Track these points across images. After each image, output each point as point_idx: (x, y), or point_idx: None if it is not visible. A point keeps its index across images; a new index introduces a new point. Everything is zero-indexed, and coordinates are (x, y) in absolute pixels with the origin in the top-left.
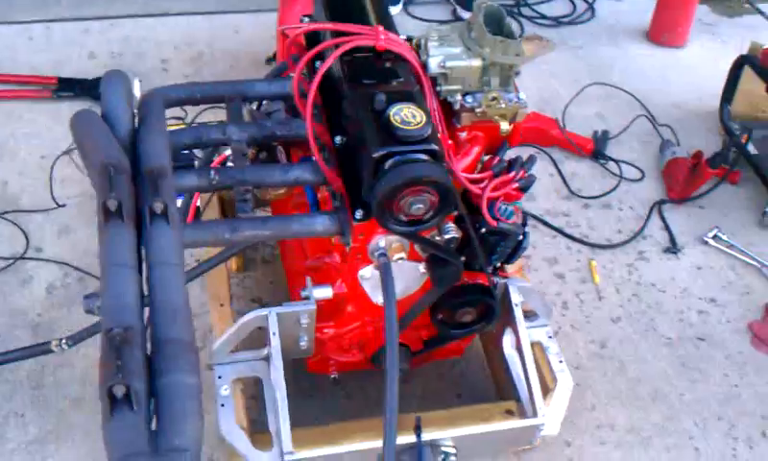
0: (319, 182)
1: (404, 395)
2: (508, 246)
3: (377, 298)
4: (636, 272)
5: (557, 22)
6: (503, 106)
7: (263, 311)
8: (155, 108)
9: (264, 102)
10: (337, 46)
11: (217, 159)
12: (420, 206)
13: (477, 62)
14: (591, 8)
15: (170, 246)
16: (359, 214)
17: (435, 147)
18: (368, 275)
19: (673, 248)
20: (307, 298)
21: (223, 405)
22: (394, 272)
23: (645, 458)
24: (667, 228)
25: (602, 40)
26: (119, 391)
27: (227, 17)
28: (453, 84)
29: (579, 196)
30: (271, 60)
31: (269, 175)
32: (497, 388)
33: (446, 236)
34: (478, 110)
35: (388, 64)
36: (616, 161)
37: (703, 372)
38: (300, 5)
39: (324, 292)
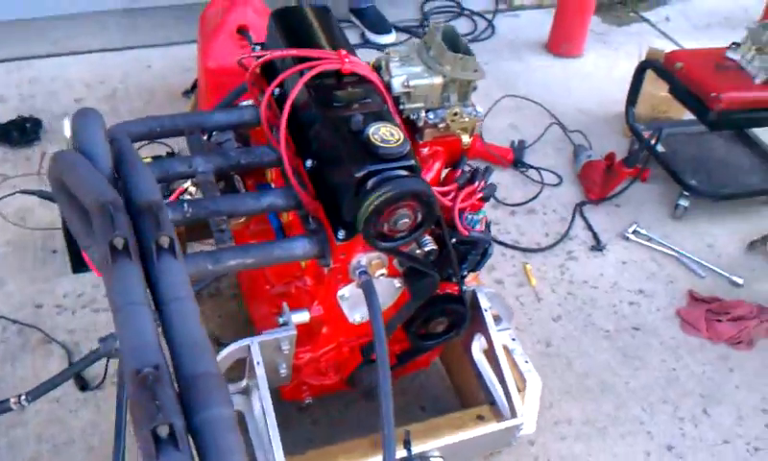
0: (291, 207)
1: (372, 412)
2: (477, 254)
3: (354, 317)
4: (567, 271)
5: None
6: (466, 119)
7: (244, 342)
8: (125, 143)
9: (214, 132)
10: (303, 72)
11: (175, 193)
12: (406, 220)
13: (439, 80)
14: (491, 25)
15: (180, 280)
16: (342, 234)
17: (413, 163)
18: (347, 294)
19: (598, 246)
20: (285, 324)
21: None
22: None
23: (604, 447)
24: (590, 227)
25: (505, 55)
26: (163, 431)
27: (137, 52)
28: (416, 102)
29: (505, 204)
30: (188, 92)
31: (242, 204)
32: (461, 396)
33: (426, 249)
34: (441, 126)
35: (354, 87)
36: (536, 169)
37: (642, 359)
38: (222, 37)
39: (302, 316)
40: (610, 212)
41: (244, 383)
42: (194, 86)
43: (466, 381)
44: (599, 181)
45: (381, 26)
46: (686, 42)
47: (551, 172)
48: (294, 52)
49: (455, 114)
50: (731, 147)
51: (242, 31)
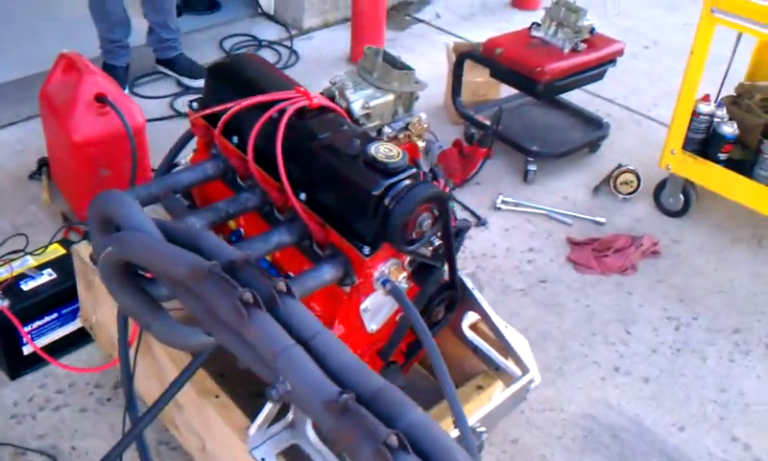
0: (297, 241)
1: None
2: (460, 242)
3: (371, 326)
4: (467, 249)
5: None
6: (424, 126)
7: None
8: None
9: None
10: (282, 112)
11: None
12: (428, 220)
13: (391, 97)
14: (294, 51)
15: (309, 316)
16: (367, 250)
17: (416, 170)
18: (369, 306)
19: (480, 221)
20: None
21: None
22: (382, 296)
23: (568, 385)
24: (467, 208)
25: (318, 76)
26: (393, 441)
27: None
28: (374, 121)
29: None
30: (36, 174)
31: (253, 248)
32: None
33: (435, 245)
34: (401, 136)
35: (323, 117)
36: None
37: (560, 304)
38: (81, 109)
39: None
40: (475, 192)
41: (290, 417)
42: (41, 166)
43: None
44: (458, 166)
45: (196, 71)
46: (462, 32)
47: None
48: (262, 98)
49: (412, 124)
50: (547, 113)
51: (101, 99)
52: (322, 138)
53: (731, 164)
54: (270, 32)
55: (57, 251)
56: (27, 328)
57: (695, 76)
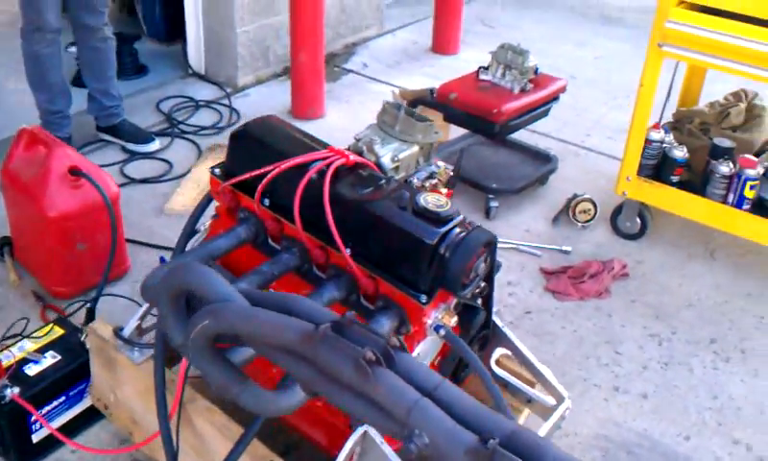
0: (345, 296)
1: None
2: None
3: None
4: None
5: (217, 129)
6: (450, 173)
7: (359, 430)
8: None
9: None
10: (322, 172)
11: None
12: (483, 265)
13: (416, 148)
14: (234, 110)
15: (426, 368)
16: (425, 298)
17: (462, 217)
18: (420, 352)
19: None
20: None
21: None
22: (431, 341)
23: (576, 409)
24: None
25: None
26: None
27: None
28: (401, 172)
29: None
30: None
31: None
32: None
33: (481, 286)
34: (427, 184)
35: (361, 173)
36: None
37: (550, 333)
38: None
39: None
40: None
41: None
42: (3, 246)
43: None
44: None
45: (141, 136)
46: (391, 79)
47: None
48: (301, 159)
49: (438, 173)
50: (496, 151)
51: (76, 172)
52: (366, 193)
53: (682, 185)
54: (204, 92)
55: (54, 332)
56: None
57: (646, 107)
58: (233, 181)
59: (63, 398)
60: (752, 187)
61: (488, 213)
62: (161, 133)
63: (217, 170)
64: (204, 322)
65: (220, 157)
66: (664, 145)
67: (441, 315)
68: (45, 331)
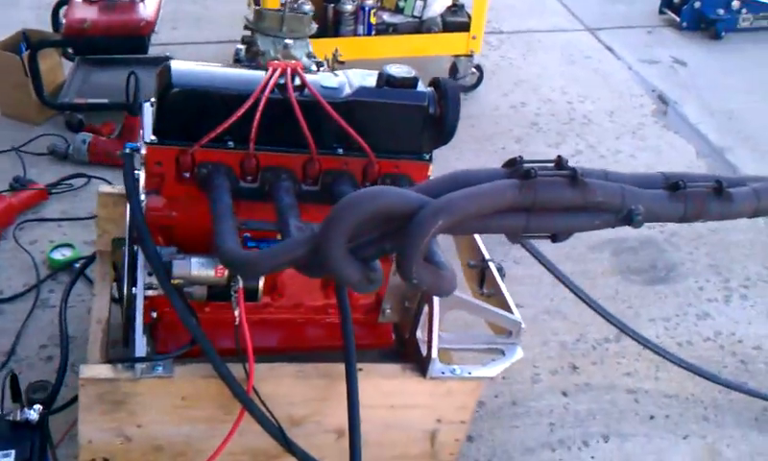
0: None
1: None
2: None
3: None
4: None
5: None
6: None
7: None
8: None
9: None
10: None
11: None
12: None
13: (307, 40)
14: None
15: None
16: (428, 156)
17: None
18: None
19: None
20: None
21: None
22: None
23: None
24: None
25: None
26: None
27: None
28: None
29: None
30: None
31: None
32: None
33: None
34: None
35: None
36: None
37: None
38: None
39: None
40: None
41: None
42: None
43: None
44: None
45: None
46: None
47: None
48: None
49: (336, 57)
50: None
51: None
52: (333, 89)
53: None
54: None
55: None
56: None
57: None
58: (210, 136)
59: None
60: (375, 14)
61: None
62: None
63: (153, 138)
64: (438, 222)
65: None
66: None
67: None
68: None
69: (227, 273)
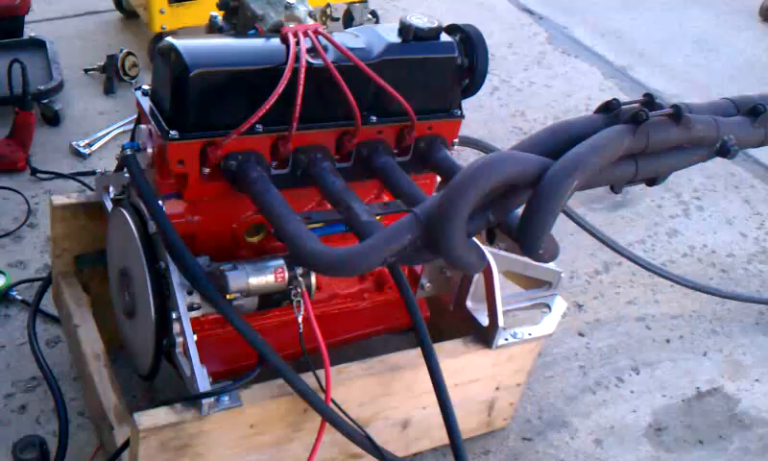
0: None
1: None
2: None
3: None
4: None
5: None
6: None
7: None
8: None
9: None
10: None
11: None
12: None
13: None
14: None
15: None
16: (459, 112)
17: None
18: None
19: None
20: None
21: None
22: None
23: None
24: None
25: None
26: None
27: None
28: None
29: None
30: None
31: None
32: None
33: None
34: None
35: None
36: None
37: None
38: None
39: None
40: None
41: None
42: None
43: None
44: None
45: None
46: None
47: None
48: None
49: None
50: None
51: None
52: (362, 49)
53: None
54: None
55: None
56: None
57: None
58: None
59: None
60: None
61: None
62: None
63: (173, 133)
64: (574, 182)
65: None
66: None
67: None
68: None
69: (287, 276)
